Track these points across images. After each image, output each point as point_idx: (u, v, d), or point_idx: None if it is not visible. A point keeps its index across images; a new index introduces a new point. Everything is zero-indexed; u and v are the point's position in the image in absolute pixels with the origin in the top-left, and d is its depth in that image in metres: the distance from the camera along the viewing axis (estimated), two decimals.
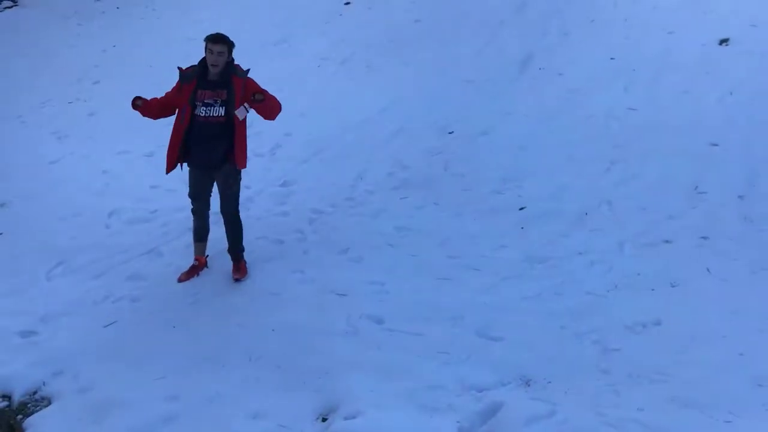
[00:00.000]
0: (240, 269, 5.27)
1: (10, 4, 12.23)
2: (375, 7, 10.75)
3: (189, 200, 5.30)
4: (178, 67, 5.05)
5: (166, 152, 5.04)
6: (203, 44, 4.92)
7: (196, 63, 5.02)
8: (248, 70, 5.09)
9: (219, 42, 4.84)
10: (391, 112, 8.19)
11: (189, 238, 5.60)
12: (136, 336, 4.68)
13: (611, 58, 8.34)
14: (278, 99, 5.06)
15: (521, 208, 6.13)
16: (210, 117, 4.92)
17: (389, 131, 7.82)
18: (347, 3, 11.07)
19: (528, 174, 6.62)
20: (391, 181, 6.92)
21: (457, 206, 6.32)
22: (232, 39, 4.97)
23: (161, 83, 9.23)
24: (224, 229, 5.31)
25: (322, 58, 9.56)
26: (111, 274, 5.51)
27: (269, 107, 5.00)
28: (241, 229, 5.30)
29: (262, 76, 9.29)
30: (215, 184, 5.20)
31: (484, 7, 9.92)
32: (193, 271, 5.36)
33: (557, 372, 4.06)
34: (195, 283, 5.28)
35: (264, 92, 4.92)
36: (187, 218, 5.89)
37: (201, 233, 5.36)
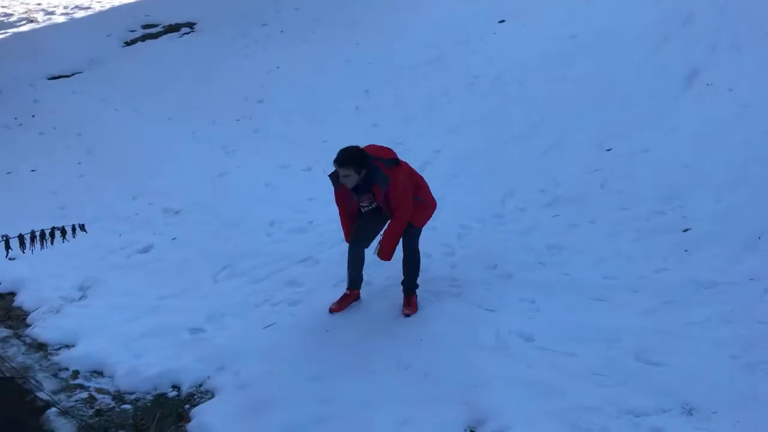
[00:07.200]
0: (411, 304, 5.10)
1: (188, 30, 13.35)
2: (530, 23, 10.63)
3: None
4: (329, 175, 4.95)
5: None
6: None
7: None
8: (396, 162, 4.84)
9: (343, 166, 4.62)
10: (544, 128, 8.03)
11: (343, 247, 5.75)
12: (293, 338, 4.90)
13: None
14: (407, 207, 4.88)
15: (685, 230, 5.77)
16: (372, 208, 4.97)
17: (542, 147, 7.67)
18: (501, 21, 11.04)
19: (693, 193, 6.23)
20: (543, 197, 6.77)
21: (614, 225, 6.07)
22: (360, 157, 4.65)
23: (316, 101, 9.73)
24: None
25: (474, 76, 9.58)
26: (271, 279, 5.81)
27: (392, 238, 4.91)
28: (418, 266, 5.13)
29: (414, 95, 9.52)
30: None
31: (645, 21, 9.51)
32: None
33: (724, 402, 3.78)
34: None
35: (397, 206, 4.80)
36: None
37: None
